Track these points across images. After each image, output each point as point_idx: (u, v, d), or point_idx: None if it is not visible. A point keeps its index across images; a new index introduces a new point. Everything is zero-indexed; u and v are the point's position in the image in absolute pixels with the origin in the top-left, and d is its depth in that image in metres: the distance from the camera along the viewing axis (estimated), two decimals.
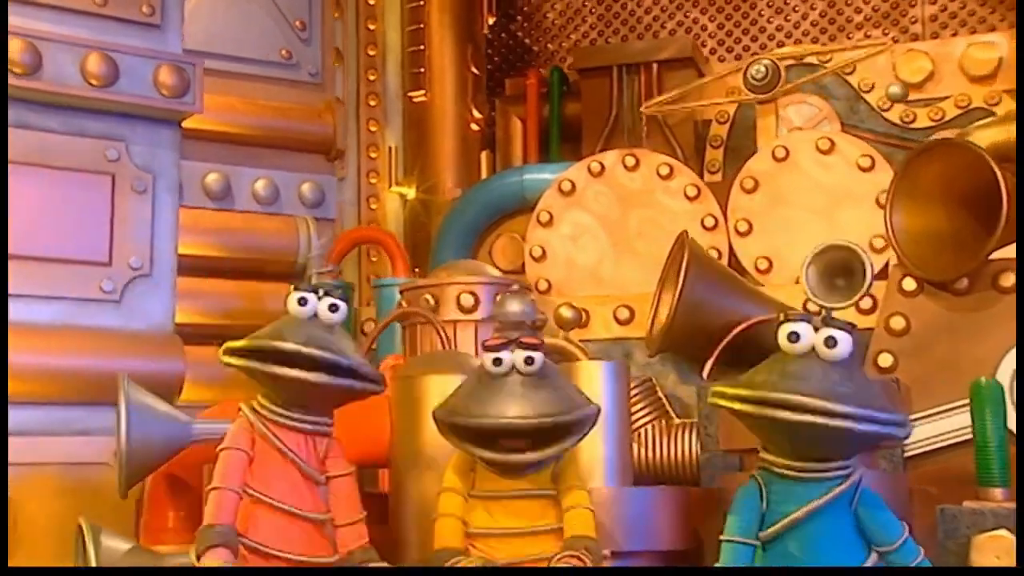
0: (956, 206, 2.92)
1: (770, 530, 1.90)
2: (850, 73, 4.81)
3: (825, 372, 1.87)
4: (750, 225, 3.98)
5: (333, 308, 2.16)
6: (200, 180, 3.84)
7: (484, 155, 5.04)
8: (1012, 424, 2.66)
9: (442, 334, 2.82)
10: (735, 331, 3.05)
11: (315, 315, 2.15)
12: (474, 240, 4.31)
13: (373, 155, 4.47)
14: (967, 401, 2.69)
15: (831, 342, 1.88)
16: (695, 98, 4.84)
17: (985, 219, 2.81)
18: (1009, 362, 2.79)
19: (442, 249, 4.26)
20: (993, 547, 2.07)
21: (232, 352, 2.14)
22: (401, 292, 3.32)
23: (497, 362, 2.11)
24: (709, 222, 3.98)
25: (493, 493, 2.15)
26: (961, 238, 2.91)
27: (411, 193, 4.64)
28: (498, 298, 2.23)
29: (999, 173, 2.74)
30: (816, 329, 1.90)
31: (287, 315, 2.16)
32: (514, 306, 2.20)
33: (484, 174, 4.99)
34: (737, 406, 1.89)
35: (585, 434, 2.14)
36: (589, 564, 2.04)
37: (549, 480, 2.15)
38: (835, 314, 1.94)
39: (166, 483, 2.81)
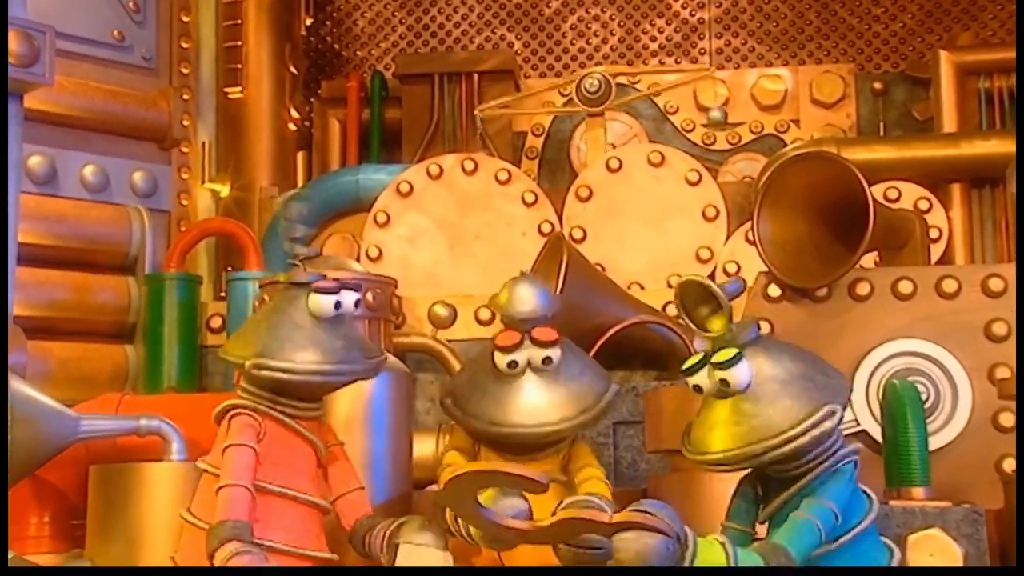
0: (818, 216, 3.08)
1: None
2: (657, 95, 5.04)
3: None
4: (584, 232, 4.08)
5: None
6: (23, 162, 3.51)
7: (301, 155, 4.92)
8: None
9: None
10: (609, 332, 3.12)
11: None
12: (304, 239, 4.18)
13: (185, 150, 4.24)
14: None
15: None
16: (516, 108, 4.92)
17: (847, 230, 2.99)
18: (866, 367, 2.99)
19: (270, 247, 4.10)
20: (927, 546, 2.15)
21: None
22: (261, 286, 3.17)
23: (512, 365, 1.94)
24: (546, 228, 4.04)
25: None
26: (822, 247, 3.08)
27: (224, 190, 4.45)
28: (501, 290, 1.98)
29: (867, 187, 2.93)
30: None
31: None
32: (527, 299, 1.96)
33: (300, 174, 4.87)
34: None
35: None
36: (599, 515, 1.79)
37: (559, 468, 2.00)
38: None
39: (30, 485, 2.54)
